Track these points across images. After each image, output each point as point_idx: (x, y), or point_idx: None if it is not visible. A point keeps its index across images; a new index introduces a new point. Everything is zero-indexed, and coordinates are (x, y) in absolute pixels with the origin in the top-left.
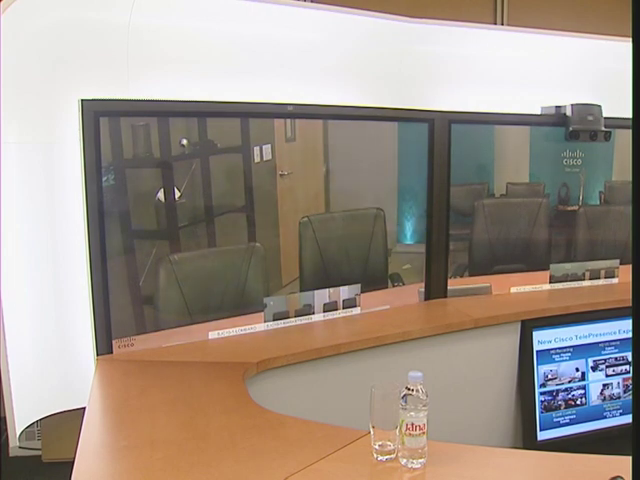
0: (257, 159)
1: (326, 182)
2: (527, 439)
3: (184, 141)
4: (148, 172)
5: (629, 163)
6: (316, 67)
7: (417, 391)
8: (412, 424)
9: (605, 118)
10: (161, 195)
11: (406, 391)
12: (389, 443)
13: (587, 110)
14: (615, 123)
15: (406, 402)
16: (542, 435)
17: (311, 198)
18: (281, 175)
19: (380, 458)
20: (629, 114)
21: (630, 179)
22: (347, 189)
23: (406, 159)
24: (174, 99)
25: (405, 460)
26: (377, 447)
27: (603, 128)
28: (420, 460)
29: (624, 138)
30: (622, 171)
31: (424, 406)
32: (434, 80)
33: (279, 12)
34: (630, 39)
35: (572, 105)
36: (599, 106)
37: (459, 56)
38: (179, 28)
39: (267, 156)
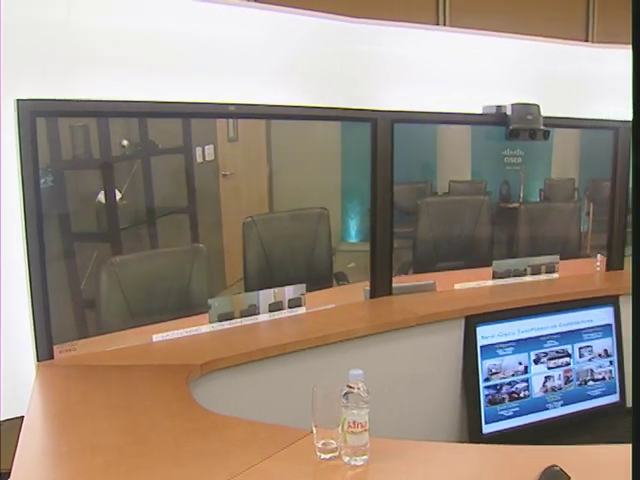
0: (199, 159)
1: (270, 182)
2: (473, 433)
3: (125, 142)
4: (88, 173)
5: (567, 161)
6: (260, 67)
7: (358, 389)
8: (354, 422)
9: (544, 117)
10: (101, 197)
11: (347, 389)
12: (332, 441)
13: (526, 109)
14: (553, 122)
15: (347, 400)
16: (487, 428)
17: (255, 198)
18: (224, 175)
19: (323, 457)
20: (566, 113)
21: (569, 177)
22: (291, 189)
23: (349, 158)
24: (114, 99)
25: (348, 458)
26: (320, 446)
27: (542, 127)
28: (363, 457)
29: (562, 137)
30: (561, 169)
31: (365, 404)
32: (377, 80)
33: (223, 11)
34: (568, 41)
35: (512, 105)
36: (538, 105)
37: (402, 56)
38: (121, 27)
39: (209, 156)
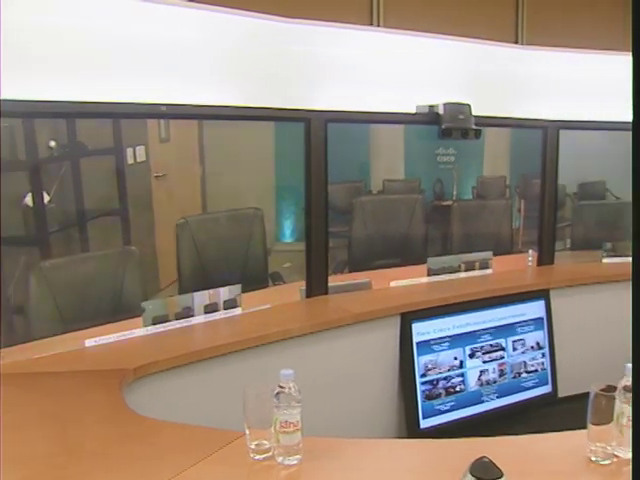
0: (130, 161)
1: (203, 183)
2: (410, 428)
3: (52, 143)
4: (14, 176)
5: (498, 159)
6: (193, 67)
7: (289, 389)
8: (286, 421)
9: (475, 117)
10: (29, 200)
11: (278, 389)
12: (265, 442)
13: (458, 109)
14: (484, 121)
15: (279, 400)
16: (424, 423)
17: (188, 199)
18: (156, 177)
19: (257, 457)
20: (497, 113)
21: (500, 174)
22: (225, 189)
23: (283, 159)
24: (40, 99)
25: (281, 458)
26: (253, 447)
27: (473, 126)
28: (296, 457)
29: (493, 136)
30: (492, 167)
31: (297, 403)
32: (312, 80)
33: (156, 11)
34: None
35: (444, 104)
36: (469, 105)
37: (336, 56)
38: (50, 25)
39: (141, 157)
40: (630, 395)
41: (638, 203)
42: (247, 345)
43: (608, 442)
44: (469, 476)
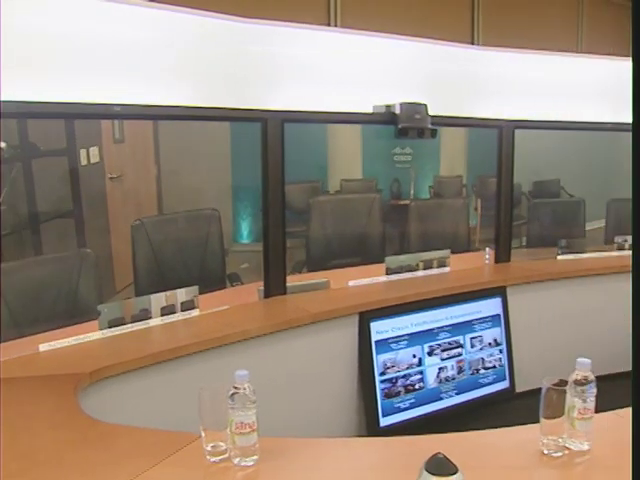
0: (84, 162)
1: (159, 184)
2: (370, 427)
3: (2, 144)
4: None
5: (455, 158)
6: (150, 67)
7: (244, 389)
8: (241, 423)
9: (431, 116)
10: None
11: (233, 390)
12: (221, 444)
13: (414, 109)
14: (441, 121)
15: (234, 401)
16: (384, 421)
17: (143, 200)
18: (111, 178)
19: (213, 459)
20: (453, 112)
21: (457, 174)
22: (181, 190)
23: (240, 159)
24: None
25: (238, 459)
26: (209, 449)
27: (430, 126)
28: (252, 457)
29: (450, 135)
30: (448, 166)
31: (252, 404)
32: (269, 80)
33: (111, 9)
34: (455, 43)
35: (400, 104)
36: (425, 105)
37: (294, 56)
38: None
39: (95, 158)
40: (580, 388)
41: (638, 203)
42: (205, 346)
43: (560, 435)
44: (424, 473)
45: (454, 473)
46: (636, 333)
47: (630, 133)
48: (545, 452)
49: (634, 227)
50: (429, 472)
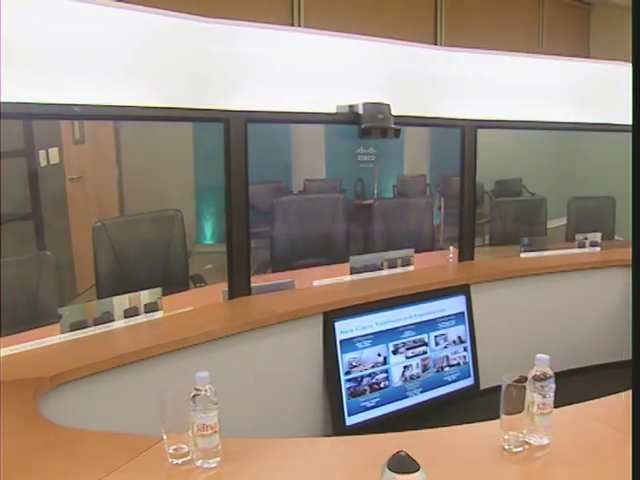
0: (43, 163)
1: (120, 185)
2: (336, 426)
3: None
4: None
5: (418, 158)
6: (111, 66)
7: (205, 391)
8: (203, 424)
9: (394, 116)
10: None
11: (195, 392)
12: (183, 446)
13: (377, 109)
14: (404, 121)
15: (195, 403)
16: (350, 420)
17: (105, 202)
18: (71, 179)
19: (175, 462)
20: (416, 112)
21: (420, 173)
22: (143, 191)
23: (203, 159)
24: None
25: (200, 461)
26: (171, 451)
27: (393, 125)
28: (215, 459)
29: (413, 135)
30: (412, 165)
31: (214, 405)
32: (233, 80)
33: (72, 8)
34: (418, 43)
35: (363, 104)
36: (388, 105)
37: (257, 56)
38: None
39: (54, 159)
40: (539, 384)
41: (638, 203)
42: (169, 348)
43: (520, 430)
44: (387, 471)
45: (416, 470)
46: (636, 332)
47: (589, 132)
48: (506, 448)
49: (634, 227)
50: (391, 470)
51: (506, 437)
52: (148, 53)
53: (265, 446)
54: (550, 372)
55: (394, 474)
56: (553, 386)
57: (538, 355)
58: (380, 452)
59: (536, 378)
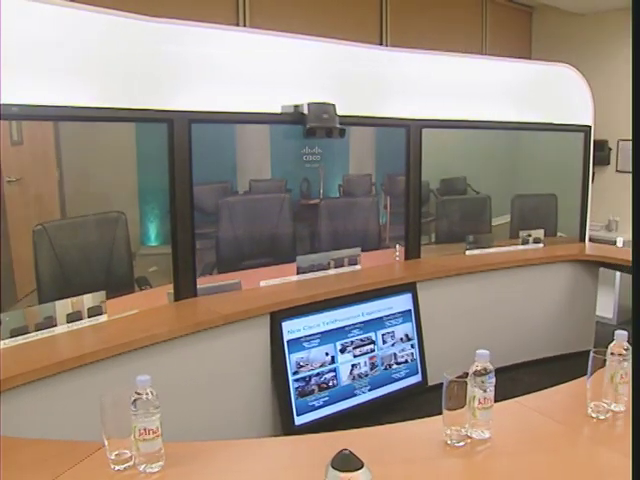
0: None
1: (61, 187)
2: (285, 426)
3: None
4: None
5: (364, 157)
6: (52, 66)
7: (147, 395)
8: (145, 429)
9: (340, 116)
10: None
11: (136, 396)
12: (125, 451)
13: (322, 109)
14: (349, 120)
15: (136, 407)
16: (299, 420)
17: (45, 204)
18: (9, 181)
19: (117, 468)
20: (362, 112)
21: (366, 172)
22: (85, 193)
23: (146, 160)
24: None
25: (143, 466)
26: (113, 457)
27: (338, 125)
28: (158, 464)
29: (359, 135)
30: (357, 165)
31: (155, 409)
32: (178, 80)
33: (13, 4)
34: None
35: (308, 104)
36: (333, 105)
37: (203, 56)
38: None
39: None
40: (480, 379)
41: (638, 203)
42: (113, 352)
43: (462, 425)
44: (330, 469)
45: (359, 468)
46: (637, 331)
47: (531, 132)
48: (448, 442)
49: (634, 227)
50: (335, 468)
51: (448, 432)
52: (89, 52)
53: (211, 448)
54: (490, 367)
55: (338, 472)
56: (493, 380)
57: (478, 351)
58: (327, 451)
59: (477, 373)
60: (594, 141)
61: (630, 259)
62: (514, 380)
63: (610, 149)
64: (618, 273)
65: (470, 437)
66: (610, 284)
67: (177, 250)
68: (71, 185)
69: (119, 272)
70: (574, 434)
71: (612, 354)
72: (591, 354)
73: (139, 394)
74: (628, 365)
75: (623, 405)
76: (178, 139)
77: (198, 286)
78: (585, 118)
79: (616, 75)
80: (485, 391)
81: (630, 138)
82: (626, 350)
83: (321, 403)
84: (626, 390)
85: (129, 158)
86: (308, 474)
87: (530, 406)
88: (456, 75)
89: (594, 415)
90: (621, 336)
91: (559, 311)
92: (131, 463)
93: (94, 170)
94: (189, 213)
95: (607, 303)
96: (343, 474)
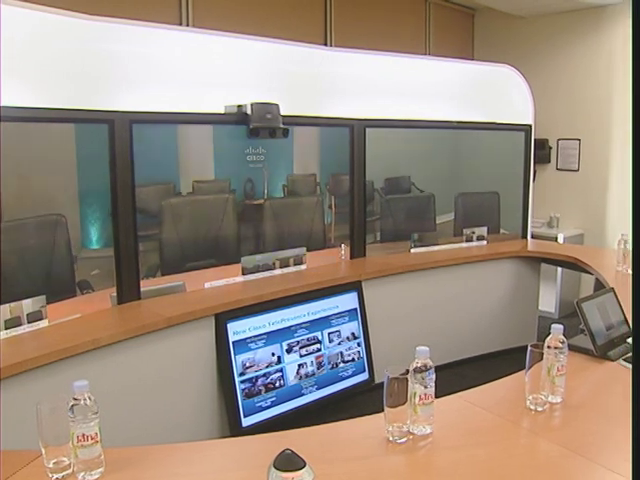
0: None
1: None
2: (233, 428)
3: None
4: None
5: (308, 157)
6: None
7: (84, 400)
8: (83, 435)
9: (283, 116)
10: None
11: (73, 402)
12: (64, 459)
13: (266, 109)
14: (292, 120)
15: (74, 413)
16: (246, 421)
17: None
18: None
19: (55, 476)
20: (306, 112)
21: (310, 172)
22: (22, 196)
23: (86, 161)
24: None
25: (82, 473)
26: (51, 465)
27: (281, 125)
28: (97, 470)
29: (302, 134)
30: (302, 165)
31: (94, 414)
32: (118, 80)
33: None
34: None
35: (252, 104)
36: (277, 105)
37: (144, 55)
38: None
39: None
40: (420, 375)
41: (638, 203)
42: (54, 358)
43: (404, 422)
44: (272, 469)
45: (301, 468)
46: (636, 332)
47: (474, 130)
48: (390, 439)
49: (634, 227)
50: (277, 469)
51: (390, 429)
52: (26, 52)
53: (154, 452)
54: (430, 363)
55: (280, 472)
56: (433, 376)
57: (418, 347)
58: (271, 451)
59: (417, 370)
60: (535, 140)
61: (571, 255)
62: (459, 376)
63: (550, 148)
64: (560, 269)
65: (412, 433)
66: (552, 279)
67: (120, 252)
68: (8, 188)
69: (60, 276)
70: (513, 426)
71: (549, 347)
72: (529, 348)
73: (77, 400)
74: (564, 358)
75: (560, 397)
76: (119, 140)
77: (142, 289)
78: (526, 117)
79: (555, 76)
80: (426, 387)
81: (569, 137)
82: (562, 343)
83: (268, 404)
84: (562, 382)
85: (69, 160)
86: (252, 475)
87: (471, 400)
88: (400, 75)
89: (532, 407)
90: (557, 330)
91: (503, 307)
92: (70, 471)
93: (32, 172)
94: (131, 215)
95: (549, 298)
96: (285, 474)
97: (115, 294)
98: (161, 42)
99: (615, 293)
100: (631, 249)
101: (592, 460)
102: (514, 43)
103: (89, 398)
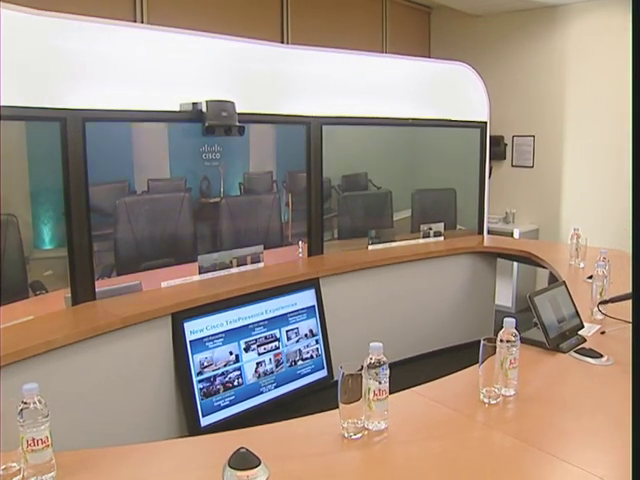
0: None
1: None
2: (191, 428)
3: None
4: None
5: (264, 155)
6: None
7: (34, 404)
8: (33, 439)
9: (239, 114)
10: None
11: (22, 405)
12: (14, 464)
13: (221, 106)
14: (249, 118)
15: (23, 417)
16: (205, 421)
17: None
18: None
19: None
20: (263, 110)
21: (267, 170)
22: None
23: (38, 160)
24: None
25: (33, 478)
26: (0, 472)
27: (237, 123)
28: (49, 475)
29: (258, 132)
30: (258, 163)
31: (44, 418)
32: (70, 77)
33: None
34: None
35: (207, 102)
36: (232, 102)
37: (97, 53)
38: None
39: None
40: (374, 371)
41: (638, 203)
42: (6, 362)
43: (358, 417)
44: (227, 468)
45: (256, 466)
46: (636, 332)
47: (430, 127)
48: (345, 435)
49: (634, 226)
50: (232, 467)
51: (345, 425)
52: None
53: (109, 455)
54: (384, 359)
55: (235, 471)
56: (387, 372)
57: (372, 344)
58: (228, 450)
59: (371, 366)
60: (490, 137)
61: (525, 250)
62: (416, 371)
63: (506, 145)
64: (515, 263)
65: (367, 429)
66: (508, 274)
67: (73, 253)
68: None
69: (11, 277)
70: (467, 419)
71: (501, 341)
72: (482, 342)
73: (26, 403)
74: (517, 351)
75: (513, 389)
76: (72, 138)
77: (97, 289)
78: (481, 115)
79: (510, 74)
80: (380, 383)
81: (524, 134)
82: (514, 337)
83: (227, 403)
84: (515, 375)
85: (20, 158)
86: (208, 475)
87: (426, 395)
88: (357, 73)
89: (486, 400)
90: (509, 323)
91: (460, 301)
92: (20, 476)
93: None
94: (85, 214)
95: (506, 292)
96: (240, 472)
97: (69, 295)
98: (115, 39)
99: (567, 286)
100: (631, 249)
101: (545, 451)
102: (470, 41)
103: (39, 401)
